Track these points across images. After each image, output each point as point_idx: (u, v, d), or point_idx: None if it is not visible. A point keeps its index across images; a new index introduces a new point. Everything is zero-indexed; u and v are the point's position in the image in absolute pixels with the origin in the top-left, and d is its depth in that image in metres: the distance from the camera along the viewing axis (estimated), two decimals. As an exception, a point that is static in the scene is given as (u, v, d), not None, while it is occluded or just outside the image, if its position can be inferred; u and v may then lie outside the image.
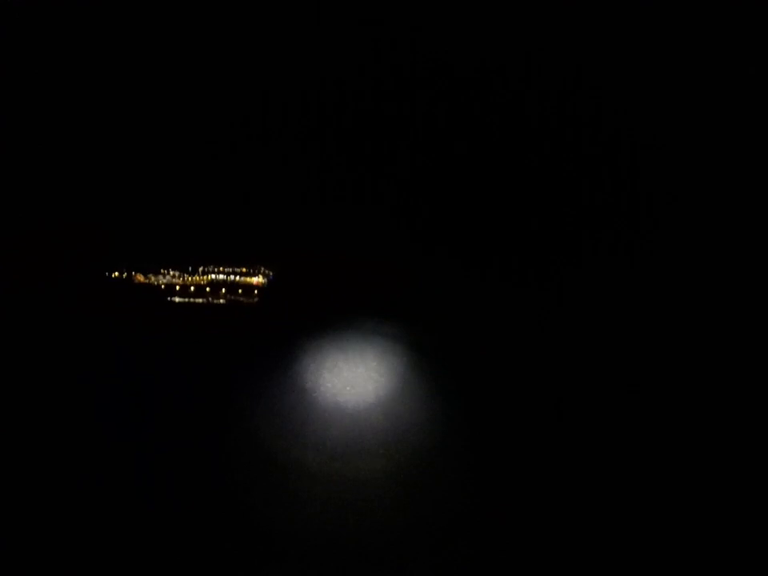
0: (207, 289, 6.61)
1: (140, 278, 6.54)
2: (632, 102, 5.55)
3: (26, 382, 5.12)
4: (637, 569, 4.05)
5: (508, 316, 5.72)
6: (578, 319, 5.59)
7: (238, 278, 6.64)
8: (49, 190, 6.05)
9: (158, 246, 6.51)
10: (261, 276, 6.60)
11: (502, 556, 4.13)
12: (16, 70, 5.74)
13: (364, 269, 6.03)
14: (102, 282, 6.43)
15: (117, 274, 6.50)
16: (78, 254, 6.14)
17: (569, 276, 5.75)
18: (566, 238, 5.83)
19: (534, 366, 5.41)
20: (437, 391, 5.30)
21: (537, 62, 5.59)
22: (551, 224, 5.86)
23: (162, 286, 6.56)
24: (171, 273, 6.60)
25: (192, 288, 6.59)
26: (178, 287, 6.58)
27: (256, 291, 6.57)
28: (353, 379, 5.47)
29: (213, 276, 6.65)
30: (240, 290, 6.60)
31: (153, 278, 6.57)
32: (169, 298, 6.53)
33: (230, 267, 6.66)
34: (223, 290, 6.61)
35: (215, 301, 6.58)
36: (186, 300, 6.55)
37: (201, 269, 6.65)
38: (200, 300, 6.57)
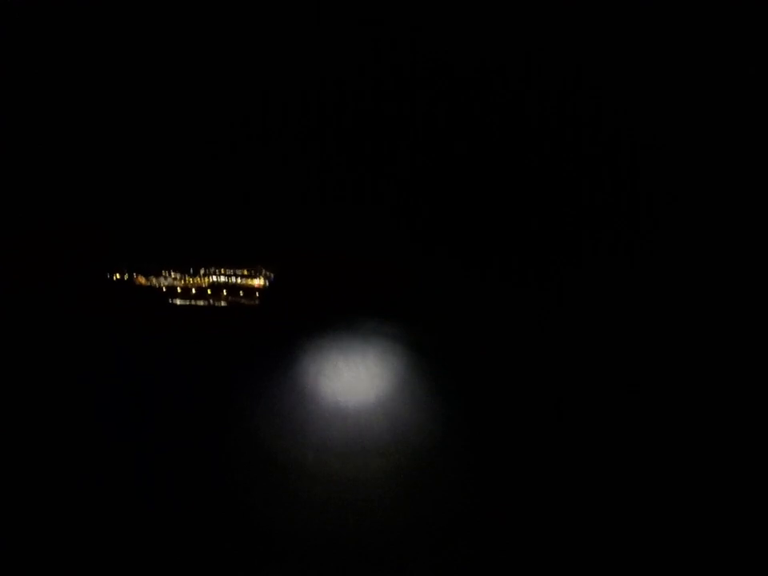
0: (208, 291, 6.61)
1: (141, 279, 6.55)
2: (632, 101, 5.55)
3: (27, 382, 5.12)
4: (637, 569, 4.05)
5: (508, 316, 5.71)
6: (578, 319, 5.59)
7: (239, 279, 6.64)
8: (49, 190, 6.05)
9: (159, 247, 6.51)
10: (262, 278, 6.61)
11: (501, 556, 4.13)
12: (16, 70, 5.74)
13: (364, 269, 6.03)
14: (102, 283, 6.44)
15: (118, 275, 6.50)
16: (79, 254, 6.15)
17: (569, 276, 5.75)
18: (566, 237, 5.83)
19: (534, 366, 5.41)
20: (437, 391, 5.30)
21: (537, 61, 5.59)
22: (551, 224, 5.86)
23: (163, 288, 6.57)
24: (172, 274, 6.61)
25: (193, 290, 6.60)
26: (179, 289, 6.58)
27: (257, 293, 6.57)
28: (353, 379, 5.48)
29: (214, 278, 6.65)
30: (241, 292, 6.60)
31: (154, 280, 6.58)
32: (170, 300, 6.53)
33: (231, 269, 6.66)
34: (224, 291, 6.62)
35: (216, 303, 6.58)
36: (187, 302, 6.55)
37: (202, 271, 6.65)
38: (201, 302, 6.57)
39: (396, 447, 4.92)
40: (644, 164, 5.59)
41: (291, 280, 6.50)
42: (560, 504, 4.42)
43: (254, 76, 5.91)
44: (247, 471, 4.61)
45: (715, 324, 5.24)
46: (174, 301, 6.54)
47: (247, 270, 6.62)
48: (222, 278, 6.65)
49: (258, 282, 6.60)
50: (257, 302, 6.54)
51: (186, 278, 6.62)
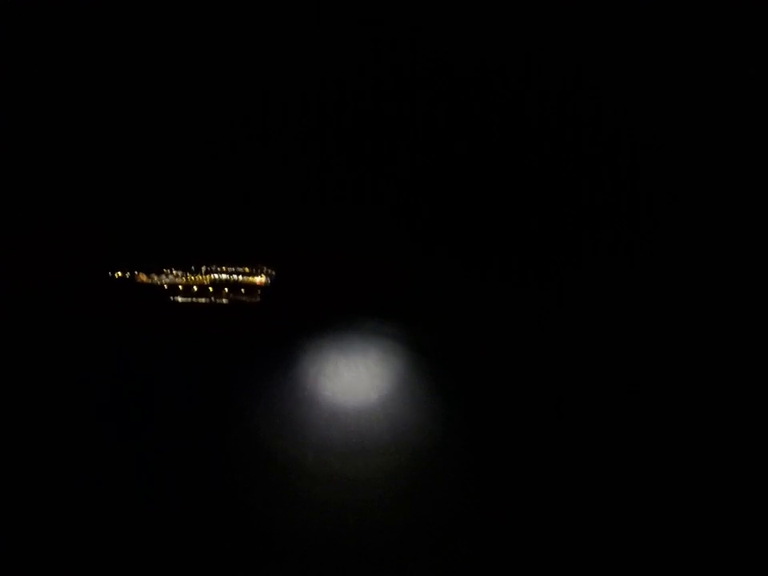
0: (210, 288, 6.61)
1: (143, 277, 6.55)
2: (632, 101, 5.55)
3: (27, 382, 5.12)
4: (637, 569, 4.05)
5: (508, 316, 5.71)
6: (578, 319, 5.59)
7: (240, 277, 6.64)
8: (50, 190, 6.05)
9: (160, 245, 6.52)
10: (263, 275, 6.61)
11: (501, 556, 4.13)
12: (16, 70, 5.74)
13: (364, 269, 6.03)
14: (104, 281, 6.44)
15: (120, 273, 6.51)
16: (81, 253, 6.15)
17: (569, 276, 5.75)
18: (566, 237, 5.83)
19: (534, 366, 5.41)
20: (437, 391, 5.29)
21: (537, 61, 5.59)
22: (551, 224, 5.86)
23: (165, 286, 6.57)
24: (174, 272, 6.61)
25: (195, 288, 6.60)
26: (180, 287, 6.59)
27: (259, 291, 6.57)
28: (353, 379, 5.48)
29: (216, 276, 6.66)
30: (243, 290, 6.60)
31: (156, 278, 6.58)
32: (172, 298, 6.54)
33: (232, 267, 6.67)
34: (226, 289, 6.62)
35: (218, 300, 6.58)
36: (189, 300, 6.56)
37: (204, 268, 6.65)
38: (203, 300, 6.57)
39: (396, 447, 4.91)
40: (644, 164, 5.60)
41: (291, 280, 6.50)
42: (560, 504, 4.42)
43: (254, 76, 5.92)
44: (247, 471, 4.60)
45: (715, 324, 5.24)
46: (176, 298, 6.54)
47: (249, 268, 6.63)
48: (224, 276, 6.66)
49: (259, 279, 6.60)
50: (258, 299, 6.54)
51: (188, 276, 6.63)
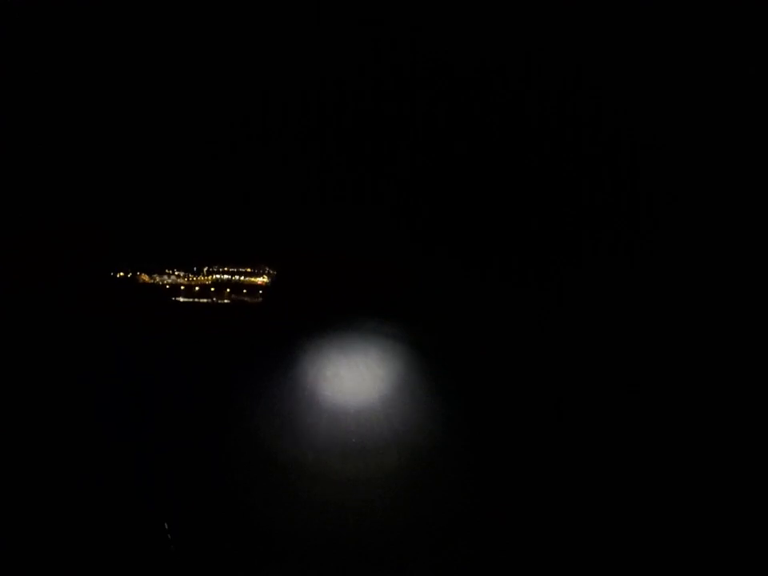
0: (212, 289, 6.62)
1: (145, 278, 6.56)
2: (632, 101, 5.55)
3: (28, 382, 5.12)
4: (637, 569, 4.05)
5: (508, 316, 5.71)
6: (578, 319, 5.59)
7: (242, 277, 6.65)
8: (52, 190, 6.06)
9: (162, 246, 6.52)
10: (265, 276, 6.61)
11: (501, 556, 4.13)
12: (16, 70, 5.74)
13: (364, 269, 6.04)
14: (106, 281, 6.44)
15: (122, 274, 6.52)
16: (82, 253, 6.15)
17: (569, 276, 5.75)
18: (566, 237, 5.83)
19: (534, 366, 5.41)
20: (437, 391, 5.30)
21: (537, 61, 5.59)
22: (551, 224, 5.86)
23: (167, 286, 6.58)
24: (176, 273, 6.62)
25: (196, 288, 6.61)
26: (182, 287, 6.59)
27: (260, 291, 6.58)
28: (353, 379, 5.48)
29: (217, 276, 6.66)
30: (244, 290, 6.61)
31: (158, 278, 6.59)
32: (173, 298, 6.55)
33: (234, 267, 6.67)
34: (227, 289, 6.62)
35: (219, 301, 6.59)
36: (191, 300, 6.56)
37: (205, 269, 6.66)
38: (204, 300, 6.58)
39: (396, 447, 4.92)
40: (644, 164, 5.59)
41: (291, 280, 6.50)
42: (560, 504, 4.42)
43: (254, 76, 5.92)
44: (247, 471, 4.61)
45: (715, 324, 5.23)
46: (178, 298, 6.55)
47: (250, 268, 6.63)
48: (226, 276, 6.66)
49: (260, 279, 6.61)
50: (259, 299, 6.54)
51: (190, 276, 6.64)
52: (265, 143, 6.11)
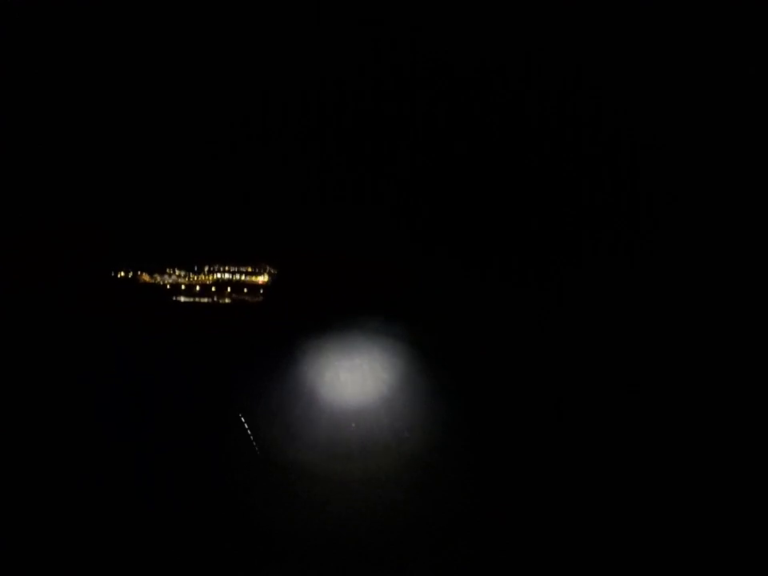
0: (212, 288, 6.62)
1: (145, 277, 6.56)
2: (632, 101, 5.54)
3: (28, 382, 5.13)
4: (637, 569, 4.05)
5: (508, 316, 5.71)
6: (578, 319, 5.59)
7: (243, 277, 6.65)
8: (52, 190, 6.06)
9: (163, 245, 6.53)
10: (266, 275, 6.62)
11: (501, 556, 4.13)
12: (16, 70, 5.74)
13: (364, 269, 6.03)
14: (107, 281, 6.45)
15: (122, 273, 6.52)
16: (83, 253, 6.15)
17: (569, 276, 5.74)
18: (566, 237, 5.83)
19: (534, 366, 5.41)
20: (437, 391, 5.30)
21: (537, 61, 5.58)
22: (551, 224, 5.86)
23: (168, 286, 6.58)
24: (177, 272, 6.62)
25: (197, 287, 6.61)
26: (183, 287, 6.60)
27: (261, 290, 6.58)
28: (353, 379, 5.48)
29: (218, 275, 6.67)
30: (245, 289, 6.61)
31: (158, 278, 6.59)
32: (174, 298, 6.55)
33: (234, 266, 6.67)
34: (228, 289, 6.63)
35: (220, 300, 6.59)
36: (191, 300, 6.57)
37: (206, 268, 6.66)
38: (205, 299, 6.58)
39: (396, 447, 4.92)
40: (644, 164, 5.59)
41: (291, 280, 6.50)
42: (560, 504, 4.42)
43: (254, 76, 5.92)
44: (247, 471, 4.61)
45: (715, 324, 5.23)
46: (178, 298, 6.55)
47: (251, 267, 6.63)
48: (226, 276, 6.67)
49: (261, 278, 6.61)
50: (261, 298, 6.54)
51: (190, 276, 6.64)
52: (265, 143, 6.11)
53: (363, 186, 6.14)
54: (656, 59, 5.40)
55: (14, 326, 5.59)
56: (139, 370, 5.41)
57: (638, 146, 5.59)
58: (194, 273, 6.64)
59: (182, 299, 6.56)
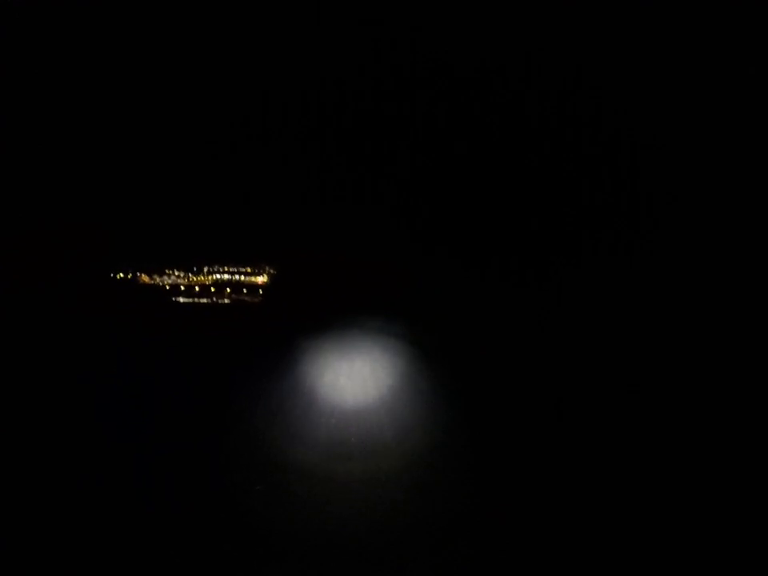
0: (212, 289, 6.62)
1: (145, 278, 6.56)
2: (632, 101, 5.55)
3: (28, 382, 5.13)
4: (637, 569, 4.04)
5: (508, 316, 5.71)
6: (578, 319, 5.59)
7: (242, 277, 6.65)
8: (52, 190, 6.06)
9: (162, 246, 6.53)
10: (265, 275, 6.62)
11: (501, 556, 4.13)
12: (16, 70, 5.74)
13: (364, 269, 6.04)
14: (107, 282, 6.45)
15: (122, 274, 6.52)
16: (83, 254, 6.15)
17: (569, 276, 5.75)
18: (566, 237, 5.83)
19: (534, 366, 5.41)
20: (437, 391, 5.30)
21: (537, 61, 5.59)
22: (551, 224, 5.86)
23: (167, 287, 6.59)
24: (176, 273, 6.62)
25: (197, 288, 6.62)
26: (182, 287, 6.60)
27: (260, 291, 6.58)
28: (353, 379, 5.48)
29: (217, 276, 6.67)
30: (245, 290, 6.61)
31: (158, 279, 6.59)
32: (173, 298, 6.55)
33: (234, 267, 6.68)
34: (228, 289, 6.63)
35: (220, 301, 6.59)
36: (191, 300, 6.57)
37: (205, 269, 6.67)
38: (205, 300, 6.59)
39: (396, 447, 4.92)
40: (644, 164, 5.59)
41: (290, 281, 6.50)
42: (560, 504, 4.42)
43: (254, 76, 5.92)
44: (247, 472, 4.61)
45: (715, 324, 5.23)
46: (178, 299, 6.56)
47: (250, 268, 6.64)
48: (226, 276, 6.67)
49: (261, 279, 6.61)
50: (260, 299, 6.54)
51: (190, 276, 6.64)
52: (265, 143, 6.11)
53: (363, 187, 6.14)
54: (656, 59, 5.40)
55: (15, 326, 5.58)
56: (139, 371, 5.41)
57: (638, 146, 5.59)
58: (194, 273, 6.65)
59: (182, 300, 6.56)
